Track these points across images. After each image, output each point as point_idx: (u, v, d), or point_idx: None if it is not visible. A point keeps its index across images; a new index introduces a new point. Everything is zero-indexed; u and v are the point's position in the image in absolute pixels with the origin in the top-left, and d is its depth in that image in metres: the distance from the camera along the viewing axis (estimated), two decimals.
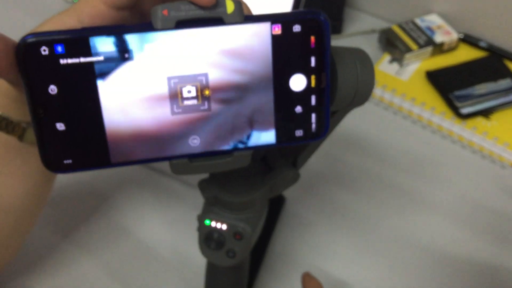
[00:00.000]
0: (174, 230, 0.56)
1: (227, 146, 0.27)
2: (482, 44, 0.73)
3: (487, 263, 0.55)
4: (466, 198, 0.60)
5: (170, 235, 0.55)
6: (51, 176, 0.41)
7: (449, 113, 0.65)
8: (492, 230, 0.57)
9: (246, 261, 0.44)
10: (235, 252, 0.39)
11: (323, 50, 0.26)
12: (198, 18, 0.24)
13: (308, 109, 0.26)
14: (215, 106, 0.26)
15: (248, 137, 0.27)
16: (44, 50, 0.23)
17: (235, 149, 0.27)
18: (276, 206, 0.58)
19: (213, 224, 0.38)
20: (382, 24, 0.78)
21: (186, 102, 0.25)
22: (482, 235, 0.57)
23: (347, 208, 0.59)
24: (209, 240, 0.39)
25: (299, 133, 0.27)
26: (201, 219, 0.39)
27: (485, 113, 0.65)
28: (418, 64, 0.71)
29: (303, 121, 0.27)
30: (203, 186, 0.37)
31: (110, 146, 0.25)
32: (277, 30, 0.25)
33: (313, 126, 0.27)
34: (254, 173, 0.38)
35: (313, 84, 0.26)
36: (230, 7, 0.24)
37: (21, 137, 0.35)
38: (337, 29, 0.77)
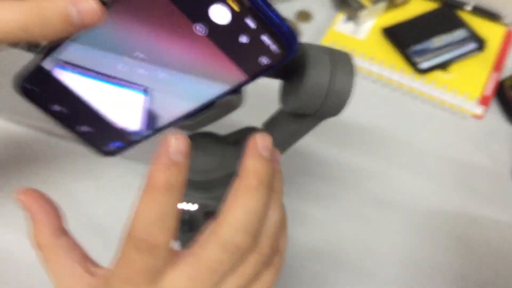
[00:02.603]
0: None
1: (205, 100, 0.27)
2: None
3: (453, 212, 0.56)
4: (431, 151, 0.60)
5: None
6: None
7: (408, 69, 0.65)
8: (457, 179, 0.58)
9: None
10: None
11: None
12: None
13: (253, 33, 0.22)
14: (163, 78, 0.25)
15: (216, 86, 0.25)
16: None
17: (216, 98, 0.26)
18: None
19: (184, 205, 0.36)
20: None
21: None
22: (448, 185, 0.58)
23: (321, 176, 0.58)
24: (181, 223, 0.36)
25: (264, 60, 0.23)
26: None
27: (443, 66, 0.65)
28: (373, 21, 0.70)
29: (260, 46, 0.23)
30: None
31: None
32: None
33: (273, 47, 0.23)
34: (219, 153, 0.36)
35: (236, 8, 0.22)
36: None
37: None
38: None
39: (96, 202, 0.54)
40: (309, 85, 0.27)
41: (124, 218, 0.27)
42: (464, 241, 0.54)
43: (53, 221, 0.27)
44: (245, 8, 0.21)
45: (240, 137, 0.37)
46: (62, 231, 0.27)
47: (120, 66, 0.25)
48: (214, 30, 0.23)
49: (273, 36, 0.22)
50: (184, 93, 0.26)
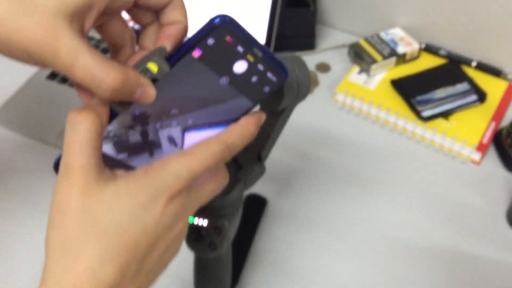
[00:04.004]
0: None
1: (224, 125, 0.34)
2: (442, 52, 0.80)
3: (449, 250, 0.61)
4: (431, 191, 0.67)
5: None
6: None
7: (412, 116, 0.72)
8: (454, 219, 0.64)
9: (229, 254, 0.51)
10: (216, 244, 0.45)
11: (242, 37, 0.30)
12: None
13: (261, 73, 0.32)
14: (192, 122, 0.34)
15: (234, 116, 0.34)
16: None
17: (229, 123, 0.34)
18: (258, 207, 0.64)
19: (196, 221, 0.45)
20: (352, 39, 0.86)
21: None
22: (444, 225, 0.63)
23: (323, 205, 0.65)
24: (193, 235, 0.45)
25: (267, 89, 0.33)
26: None
27: (445, 114, 0.72)
28: (384, 74, 0.78)
29: (264, 80, 0.32)
30: None
31: None
32: (198, 52, 0.30)
33: (274, 78, 0.32)
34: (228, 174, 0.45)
35: (251, 59, 0.31)
36: (153, 67, 0.30)
37: None
38: (311, 45, 0.85)
39: None
40: (287, 87, 0.37)
41: None
42: (457, 278, 0.59)
43: (99, 119, 0.28)
44: (258, 58, 0.31)
45: (238, 158, 0.46)
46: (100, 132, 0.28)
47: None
48: (234, 78, 0.32)
49: (274, 72, 0.32)
50: (208, 124, 0.35)
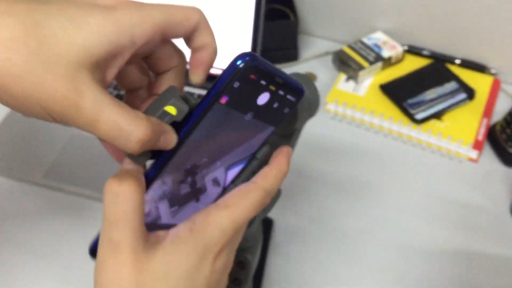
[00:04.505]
0: None
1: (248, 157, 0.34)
2: (426, 52, 0.81)
3: (456, 250, 0.61)
4: (431, 193, 0.66)
5: None
6: None
7: (405, 120, 0.72)
8: (458, 219, 0.64)
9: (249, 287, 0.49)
10: (241, 280, 0.43)
11: (264, 70, 0.29)
12: None
13: (282, 98, 0.31)
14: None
15: (260, 142, 0.33)
16: None
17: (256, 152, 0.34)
18: (266, 229, 0.63)
19: None
20: (335, 46, 0.85)
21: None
22: (449, 226, 0.63)
23: (327, 217, 0.64)
24: None
25: (286, 110, 0.32)
26: None
27: (438, 115, 0.72)
28: (371, 79, 0.78)
29: (284, 103, 0.32)
30: None
31: None
32: (225, 99, 0.29)
33: (292, 99, 0.32)
34: None
35: (273, 89, 0.30)
36: (172, 110, 0.28)
37: None
38: (294, 56, 0.83)
39: None
40: (300, 107, 0.37)
41: None
42: (468, 278, 0.59)
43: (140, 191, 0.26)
44: (279, 85, 0.30)
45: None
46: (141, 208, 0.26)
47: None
48: (258, 111, 0.31)
49: (292, 93, 0.32)
50: (243, 159, 0.34)
